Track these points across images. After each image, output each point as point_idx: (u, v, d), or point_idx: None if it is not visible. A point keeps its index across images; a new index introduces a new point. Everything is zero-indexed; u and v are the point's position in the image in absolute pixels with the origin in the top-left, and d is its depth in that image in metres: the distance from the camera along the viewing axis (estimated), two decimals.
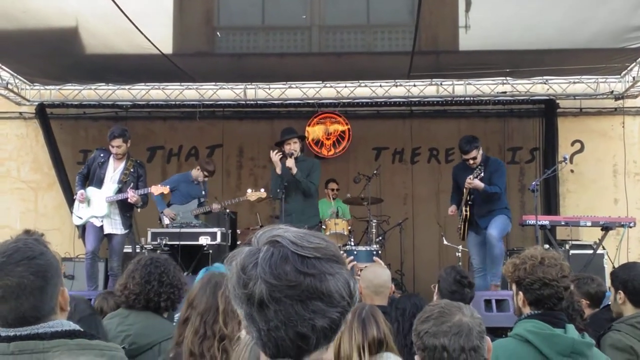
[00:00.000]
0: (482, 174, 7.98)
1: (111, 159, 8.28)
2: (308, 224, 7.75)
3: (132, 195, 8.02)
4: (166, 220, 9.07)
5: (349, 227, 9.67)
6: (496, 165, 8.35)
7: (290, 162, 7.55)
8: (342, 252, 8.65)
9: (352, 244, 9.32)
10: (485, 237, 8.06)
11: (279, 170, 7.59)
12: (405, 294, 4.40)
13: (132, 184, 8.20)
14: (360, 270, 4.54)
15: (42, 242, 2.23)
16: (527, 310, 3.32)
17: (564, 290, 3.26)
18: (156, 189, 8.22)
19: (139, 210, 8.61)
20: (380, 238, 9.88)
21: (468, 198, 8.16)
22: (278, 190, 7.66)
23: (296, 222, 7.53)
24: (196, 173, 9.41)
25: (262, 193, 8.65)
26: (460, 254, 9.46)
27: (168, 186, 8.45)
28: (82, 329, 2.19)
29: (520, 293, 3.32)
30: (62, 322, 2.16)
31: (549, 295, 3.22)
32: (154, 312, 3.56)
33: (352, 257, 4.88)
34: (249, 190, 8.74)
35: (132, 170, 8.25)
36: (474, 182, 7.94)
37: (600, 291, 4.83)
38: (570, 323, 3.33)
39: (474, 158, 8.08)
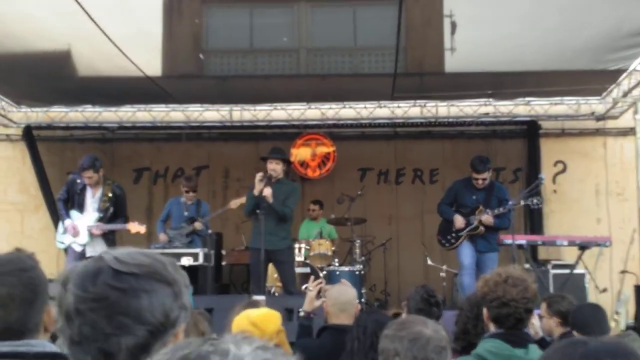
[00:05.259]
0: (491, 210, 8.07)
1: (88, 186, 8.30)
2: (278, 247, 7.81)
3: (100, 230, 8.12)
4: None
5: (333, 248, 9.71)
6: (503, 192, 8.43)
7: (267, 192, 7.57)
8: (324, 272, 8.70)
9: (336, 264, 9.36)
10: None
11: (256, 192, 7.62)
12: (366, 310, 4.39)
13: (111, 209, 8.26)
14: (327, 291, 4.56)
15: (33, 259, 2.25)
16: (491, 327, 3.37)
17: (525, 312, 3.28)
18: (133, 227, 8.25)
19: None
20: (364, 258, 9.91)
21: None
22: (257, 211, 7.68)
23: (266, 242, 7.55)
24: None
25: (244, 199, 8.77)
26: (444, 274, 9.49)
27: (144, 226, 8.41)
28: (63, 353, 2.20)
29: (485, 309, 3.38)
30: (44, 343, 2.12)
31: (506, 314, 3.22)
32: None
33: (320, 280, 4.90)
34: (233, 200, 9.05)
35: (110, 195, 8.28)
36: (487, 218, 8.03)
37: (572, 309, 4.86)
38: (534, 343, 3.36)
39: (484, 179, 8.15)
